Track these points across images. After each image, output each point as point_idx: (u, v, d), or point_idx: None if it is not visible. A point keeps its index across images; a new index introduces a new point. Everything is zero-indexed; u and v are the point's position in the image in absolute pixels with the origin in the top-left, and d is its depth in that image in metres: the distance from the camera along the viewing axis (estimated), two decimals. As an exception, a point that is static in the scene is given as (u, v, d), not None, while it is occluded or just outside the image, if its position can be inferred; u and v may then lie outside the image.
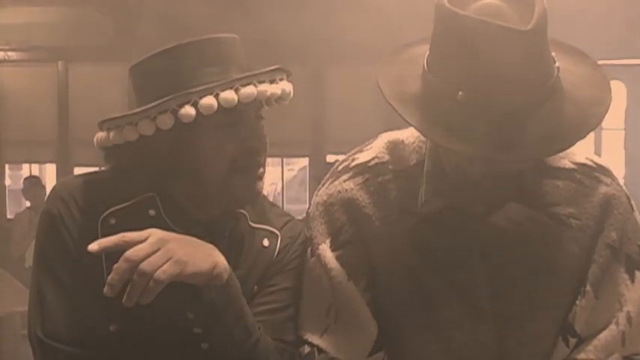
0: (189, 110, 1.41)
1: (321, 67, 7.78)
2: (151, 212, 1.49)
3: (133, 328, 1.45)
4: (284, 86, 1.52)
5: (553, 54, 1.38)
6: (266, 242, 1.58)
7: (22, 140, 8.51)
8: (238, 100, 1.43)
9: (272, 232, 1.60)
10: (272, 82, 1.49)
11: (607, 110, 1.39)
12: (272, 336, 1.51)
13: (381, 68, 1.46)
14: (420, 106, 1.38)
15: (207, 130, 1.46)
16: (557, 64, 1.38)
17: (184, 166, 1.48)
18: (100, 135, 1.51)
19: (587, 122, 1.37)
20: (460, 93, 1.32)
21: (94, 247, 1.31)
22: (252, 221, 1.58)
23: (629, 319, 1.50)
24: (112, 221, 1.47)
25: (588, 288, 1.50)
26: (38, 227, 1.51)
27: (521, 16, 1.32)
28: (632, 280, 1.52)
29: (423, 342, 1.52)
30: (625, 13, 6.61)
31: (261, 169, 1.53)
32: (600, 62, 1.50)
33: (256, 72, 1.47)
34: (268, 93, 1.47)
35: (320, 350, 1.53)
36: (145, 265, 1.29)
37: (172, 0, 6.55)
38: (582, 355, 1.48)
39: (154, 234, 1.34)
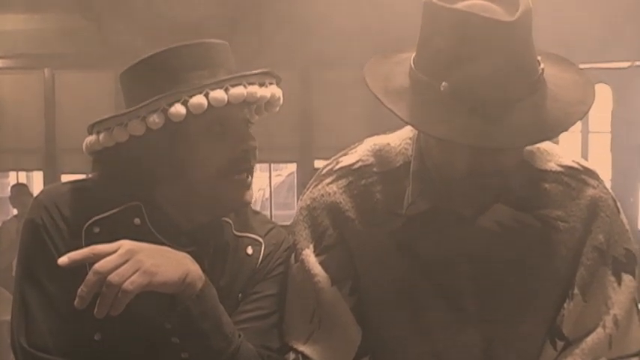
0: (179, 109, 1.41)
1: (308, 72, 7.79)
2: (136, 221, 1.48)
3: (116, 337, 1.45)
4: (274, 91, 1.53)
5: (539, 58, 1.41)
6: (250, 250, 1.58)
7: (9, 148, 8.49)
8: (228, 101, 1.43)
9: (255, 240, 1.60)
10: (261, 85, 1.50)
11: (589, 108, 1.42)
12: (257, 343, 1.51)
13: (369, 67, 1.49)
14: (405, 98, 1.40)
15: (197, 132, 1.46)
16: (542, 65, 1.40)
17: (173, 170, 1.48)
18: (90, 139, 1.50)
19: (569, 117, 1.39)
20: (443, 84, 1.35)
21: (63, 260, 1.32)
22: (235, 229, 1.58)
23: (615, 322, 1.50)
24: (96, 230, 1.47)
25: (576, 291, 1.51)
26: (21, 236, 1.51)
27: (507, 12, 1.35)
28: (619, 283, 1.52)
29: (408, 345, 1.52)
30: (611, 17, 6.65)
31: (250, 176, 1.53)
32: (586, 65, 1.53)
33: (246, 73, 1.48)
34: (258, 95, 1.48)
35: (305, 357, 1.52)
36: (112, 277, 1.29)
37: (159, 6, 6.55)
38: (569, 359, 1.48)
39: (124, 245, 1.34)
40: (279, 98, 1.56)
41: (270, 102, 1.55)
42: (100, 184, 1.53)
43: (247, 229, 1.60)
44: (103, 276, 1.30)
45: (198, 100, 1.41)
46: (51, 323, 1.45)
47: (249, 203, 1.54)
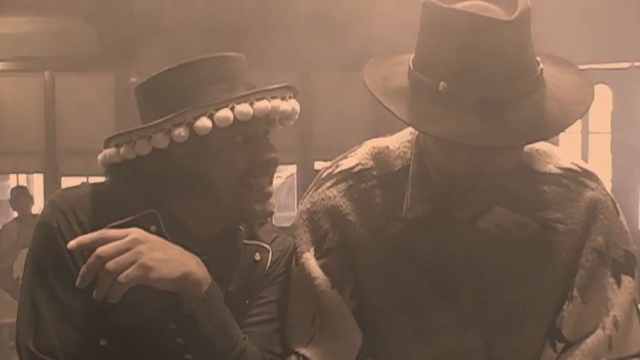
0: (205, 122, 1.42)
1: (308, 74, 7.79)
2: (152, 228, 1.48)
3: (122, 342, 1.45)
4: (293, 105, 1.55)
5: (538, 58, 1.41)
6: (257, 257, 1.59)
7: (9, 151, 8.50)
8: (253, 115, 1.44)
9: (263, 247, 1.61)
10: (282, 99, 1.51)
11: (588, 108, 1.42)
12: (261, 347, 1.52)
13: (368, 68, 1.49)
14: (403, 98, 1.41)
15: (219, 145, 1.46)
16: (541, 66, 1.41)
17: (194, 183, 1.48)
18: (109, 151, 1.49)
19: (568, 117, 1.40)
20: (442, 83, 1.35)
21: (72, 244, 1.34)
22: (244, 238, 1.59)
23: (615, 323, 1.50)
24: None
25: (575, 293, 1.51)
26: (34, 237, 1.50)
27: (506, 12, 1.36)
28: (619, 285, 1.52)
29: (409, 348, 1.52)
30: (611, 17, 6.65)
31: (271, 186, 1.54)
32: (586, 66, 1.53)
33: (269, 87, 1.49)
34: (280, 109, 1.50)
35: (306, 359, 1.52)
36: (110, 265, 1.31)
37: (159, 9, 6.55)
38: (569, 360, 1.49)
39: (132, 233, 1.36)
40: (297, 113, 1.57)
41: (289, 115, 1.57)
42: (116, 190, 1.52)
43: (254, 237, 1.61)
44: (103, 260, 1.31)
45: (225, 113, 1.42)
46: (60, 327, 1.44)
47: (272, 213, 1.55)
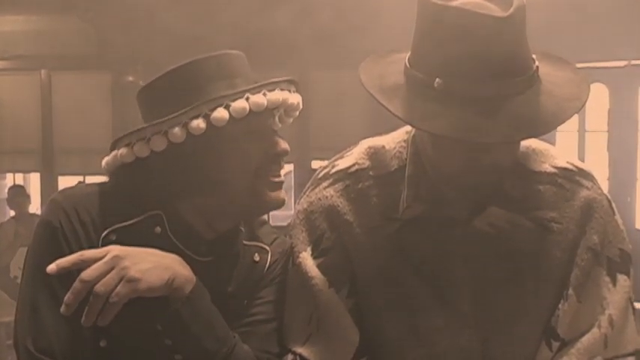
0: (222, 113, 1.42)
1: (306, 72, 7.79)
2: (157, 229, 1.48)
3: (120, 343, 1.45)
4: (298, 98, 1.55)
5: (534, 56, 1.42)
6: (257, 257, 1.59)
7: (6, 149, 8.49)
8: (266, 106, 1.45)
9: (262, 248, 1.61)
10: (289, 91, 1.52)
11: (583, 104, 1.42)
12: (258, 347, 1.52)
13: (364, 66, 1.50)
14: (399, 95, 1.41)
15: (232, 140, 1.46)
16: (536, 63, 1.41)
17: (207, 179, 1.48)
18: (120, 151, 1.47)
19: (563, 112, 1.40)
20: (437, 80, 1.35)
21: (52, 268, 1.32)
22: (244, 238, 1.59)
23: (611, 321, 1.51)
24: (113, 238, 1.45)
25: (571, 292, 1.51)
26: (35, 237, 1.49)
27: (501, 9, 1.36)
28: (614, 283, 1.53)
29: (406, 347, 1.53)
30: (607, 16, 6.66)
31: (282, 176, 1.54)
32: (583, 65, 1.53)
33: (276, 80, 1.50)
34: (289, 101, 1.51)
35: (303, 358, 1.53)
36: (98, 288, 1.31)
37: (155, 8, 6.54)
38: (565, 359, 1.49)
39: (111, 251, 1.35)
40: (300, 106, 1.58)
41: (291, 110, 1.57)
42: (121, 191, 1.51)
43: (254, 238, 1.61)
44: (88, 284, 1.30)
45: (241, 104, 1.43)
46: (59, 328, 1.43)
47: (284, 202, 1.55)
